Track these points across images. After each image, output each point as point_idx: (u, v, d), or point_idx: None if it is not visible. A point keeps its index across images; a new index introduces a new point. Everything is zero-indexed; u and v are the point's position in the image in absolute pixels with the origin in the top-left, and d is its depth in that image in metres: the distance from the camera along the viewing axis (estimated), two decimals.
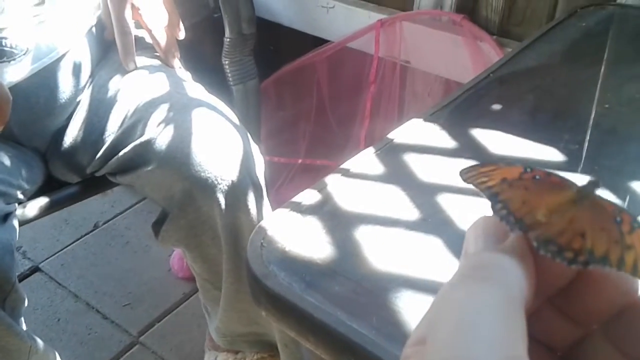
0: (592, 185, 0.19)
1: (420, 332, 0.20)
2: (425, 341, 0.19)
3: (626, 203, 0.56)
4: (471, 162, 0.61)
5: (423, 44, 1.24)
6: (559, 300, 0.19)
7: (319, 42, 1.37)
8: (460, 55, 1.20)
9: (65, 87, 0.87)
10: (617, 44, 0.85)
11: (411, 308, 0.47)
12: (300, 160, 1.51)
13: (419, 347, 0.19)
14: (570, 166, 0.61)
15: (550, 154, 0.64)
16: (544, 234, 0.18)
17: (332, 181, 0.60)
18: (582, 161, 0.63)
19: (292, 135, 1.52)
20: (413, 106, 1.37)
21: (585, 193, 0.19)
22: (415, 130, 0.68)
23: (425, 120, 0.70)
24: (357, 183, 0.60)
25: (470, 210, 0.55)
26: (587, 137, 0.67)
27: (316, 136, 1.49)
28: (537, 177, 0.20)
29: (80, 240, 1.51)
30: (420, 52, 1.26)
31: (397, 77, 1.36)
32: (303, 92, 1.46)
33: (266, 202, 0.88)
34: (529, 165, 0.20)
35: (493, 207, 0.20)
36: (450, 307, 0.17)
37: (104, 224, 1.55)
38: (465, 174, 0.22)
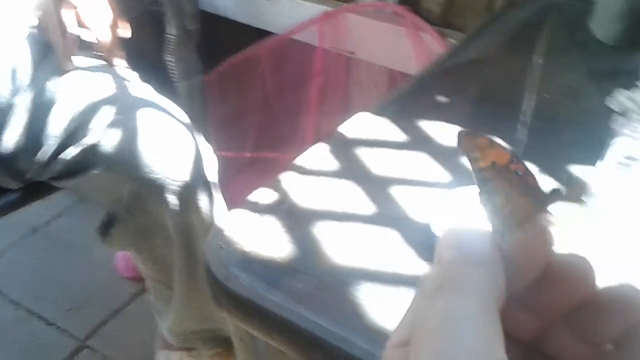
0: (555, 194, 0.20)
1: (401, 334, 0.21)
2: (408, 343, 0.20)
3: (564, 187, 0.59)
4: (422, 155, 0.64)
5: (367, 36, 1.26)
6: (524, 296, 0.20)
7: (264, 34, 1.36)
8: (403, 46, 1.22)
9: (2, 90, 0.83)
10: (555, 34, 0.88)
11: (372, 300, 0.48)
12: (248, 154, 1.51)
13: (402, 349, 0.20)
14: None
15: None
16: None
17: (287, 178, 0.61)
18: (523, 149, 0.66)
19: (239, 129, 1.50)
20: (359, 97, 1.39)
21: (544, 200, 0.20)
22: (365, 124, 0.69)
23: (374, 113, 0.71)
24: (311, 179, 0.61)
25: (423, 202, 0.57)
26: (528, 126, 0.70)
27: (263, 129, 1.49)
28: (519, 172, 0.21)
29: (18, 245, 1.45)
30: (364, 44, 1.27)
31: (342, 68, 1.37)
32: (248, 85, 1.45)
33: (219, 200, 0.87)
34: (516, 155, 0.21)
35: (480, 195, 0.20)
36: (432, 318, 0.18)
37: (42, 227, 1.50)
38: (462, 139, 0.22)
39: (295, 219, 0.56)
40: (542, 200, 0.20)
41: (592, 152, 0.62)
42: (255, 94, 1.46)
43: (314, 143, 0.65)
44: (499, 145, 0.21)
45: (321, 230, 0.54)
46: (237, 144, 1.49)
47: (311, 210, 0.57)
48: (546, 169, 0.62)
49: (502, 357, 0.17)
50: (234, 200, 0.93)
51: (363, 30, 1.26)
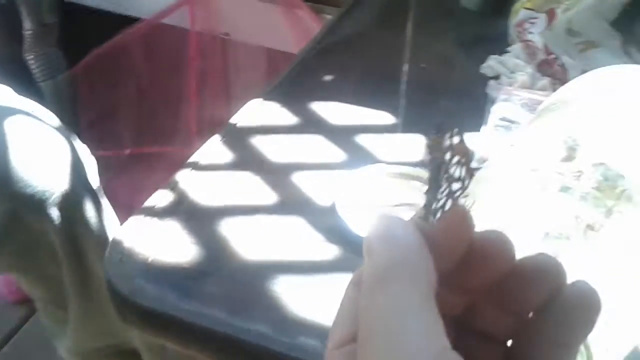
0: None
1: (340, 334, 0.21)
2: (348, 342, 0.20)
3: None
4: (316, 138, 0.64)
5: (240, 15, 1.23)
6: (449, 275, 0.20)
7: (130, 21, 1.28)
8: (278, 24, 1.21)
9: None
10: (423, 4, 0.92)
11: (289, 291, 0.47)
12: (128, 151, 1.43)
13: (344, 349, 0.20)
14: (396, 127, 0.66)
15: (381, 117, 0.67)
16: None
17: (183, 177, 0.58)
18: (401, 121, 0.68)
19: (115, 125, 1.42)
20: (239, 79, 1.36)
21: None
22: (256, 112, 0.68)
23: (264, 99, 0.70)
24: (209, 175, 0.59)
25: (325, 184, 0.57)
26: (409, 97, 0.72)
27: (142, 123, 1.41)
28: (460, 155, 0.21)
29: None
30: (239, 24, 1.25)
31: (218, 51, 1.33)
32: (119, 78, 1.36)
33: (106, 207, 0.82)
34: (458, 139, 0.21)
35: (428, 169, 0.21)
36: (375, 317, 0.18)
37: None
38: (430, 145, 0.21)
39: (198, 220, 0.53)
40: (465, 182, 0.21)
41: (473, 117, 0.66)
42: (129, 86, 1.38)
43: (198, 132, 0.63)
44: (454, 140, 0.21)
45: (226, 228, 0.53)
46: (114, 142, 1.40)
47: (213, 208, 0.55)
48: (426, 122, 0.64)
49: (447, 344, 0.17)
50: (119, 203, 0.88)
51: (236, 10, 1.23)
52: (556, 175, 0.40)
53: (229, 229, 0.52)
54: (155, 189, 0.56)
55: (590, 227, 0.37)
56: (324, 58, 0.80)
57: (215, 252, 0.50)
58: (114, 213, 0.85)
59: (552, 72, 0.68)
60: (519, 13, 0.74)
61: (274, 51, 1.26)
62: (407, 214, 0.22)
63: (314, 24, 1.16)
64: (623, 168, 0.39)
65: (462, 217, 0.20)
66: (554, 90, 0.66)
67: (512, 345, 0.22)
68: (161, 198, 0.55)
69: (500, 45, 0.77)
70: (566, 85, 0.48)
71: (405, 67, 0.77)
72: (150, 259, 0.49)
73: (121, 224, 0.54)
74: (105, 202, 0.82)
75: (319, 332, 0.44)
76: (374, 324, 0.18)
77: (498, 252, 0.20)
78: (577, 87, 0.48)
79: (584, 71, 0.66)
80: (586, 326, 0.19)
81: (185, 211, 0.54)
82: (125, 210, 0.62)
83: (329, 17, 1.16)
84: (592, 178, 0.39)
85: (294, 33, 1.19)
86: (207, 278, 0.48)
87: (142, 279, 0.48)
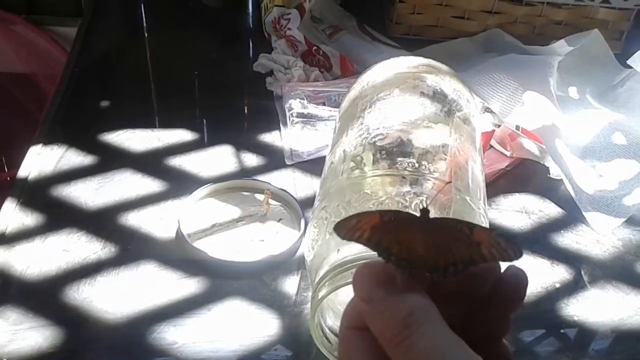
0: (425, 212, 0.25)
1: (356, 319, 0.24)
2: (364, 329, 0.23)
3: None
4: (127, 172, 0.60)
5: None
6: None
7: None
8: None
9: None
10: (164, 4, 0.91)
11: (174, 334, 0.46)
12: None
13: (361, 333, 0.23)
14: (201, 141, 0.67)
15: (180, 135, 0.67)
16: (429, 265, 0.23)
17: None
18: (206, 134, 0.69)
19: None
20: None
21: (425, 219, 0.25)
22: (43, 160, 0.61)
23: (44, 144, 0.63)
24: (21, 248, 0.52)
25: (158, 218, 0.56)
26: (199, 102, 0.73)
27: None
28: (391, 218, 0.25)
29: None
30: None
31: None
32: None
33: None
34: (380, 210, 0.25)
35: (385, 259, 0.24)
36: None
37: None
38: (340, 233, 0.24)
39: (33, 300, 0.48)
40: (420, 220, 0.25)
41: (266, 114, 0.70)
42: None
43: None
44: (368, 214, 0.24)
45: (75, 297, 0.48)
46: None
47: (48, 280, 0.49)
48: (226, 131, 0.66)
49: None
50: None
51: None
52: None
53: (87, 295, 0.48)
54: None
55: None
56: (88, 80, 0.75)
57: (77, 324, 0.46)
58: None
59: (316, 61, 0.76)
60: (271, 11, 0.80)
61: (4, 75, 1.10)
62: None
63: (39, 37, 1.05)
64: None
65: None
66: (326, 79, 0.74)
67: (464, 329, 0.26)
68: None
69: (257, 40, 0.82)
70: (357, 81, 0.56)
71: (188, 76, 0.77)
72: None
73: None
74: None
75: None
76: None
77: (492, 273, 0.25)
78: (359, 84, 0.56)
79: (341, 55, 0.75)
80: (519, 299, 0.26)
81: (15, 295, 0.48)
82: None
83: (53, 28, 1.06)
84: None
85: (16, 50, 1.05)
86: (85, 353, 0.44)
87: None
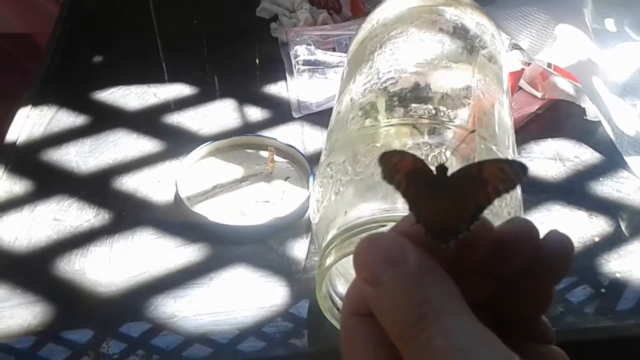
0: (442, 169, 0.20)
1: (357, 303, 0.20)
2: (367, 315, 0.19)
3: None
4: (122, 132, 0.56)
5: None
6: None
7: None
8: None
9: None
10: None
11: (177, 304, 0.43)
12: None
13: (363, 319, 0.19)
14: (207, 95, 0.62)
15: (181, 90, 0.62)
16: (437, 231, 0.19)
17: None
18: (206, 88, 0.64)
19: None
20: None
21: (442, 176, 0.20)
22: (33, 122, 0.57)
23: (33, 105, 0.59)
24: (14, 218, 0.49)
25: (157, 182, 0.52)
26: (207, 55, 0.68)
27: None
28: (422, 167, 0.20)
29: None
30: None
31: None
32: None
33: None
34: (413, 155, 0.20)
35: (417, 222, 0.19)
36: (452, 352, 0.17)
37: None
38: (384, 168, 0.20)
39: (33, 272, 0.44)
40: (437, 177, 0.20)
41: (273, 62, 0.64)
42: None
43: None
44: (404, 151, 0.20)
45: (75, 266, 0.45)
46: None
47: (48, 249, 0.46)
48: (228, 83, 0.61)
49: (511, 353, 0.17)
50: None
51: None
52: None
53: (80, 267, 0.45)
54: None
55: None
56: (80, 36, 0.70)
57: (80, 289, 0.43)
58: None
59: (324, 2, 0.70)
60: None
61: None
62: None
63: None
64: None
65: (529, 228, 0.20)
66: (335, 21, 0.68)
67: (495, 307, 0.22)
68: None
69: None
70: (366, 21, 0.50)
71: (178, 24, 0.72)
72: None
73: None
74: None
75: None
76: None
77: (527, 240, 0.20)
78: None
79: None
80: (565, 270, 0.21)
81: (1, 269, 0.44)
82: None
83: None
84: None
85: (13, 9, 1.00)
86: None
87: None
